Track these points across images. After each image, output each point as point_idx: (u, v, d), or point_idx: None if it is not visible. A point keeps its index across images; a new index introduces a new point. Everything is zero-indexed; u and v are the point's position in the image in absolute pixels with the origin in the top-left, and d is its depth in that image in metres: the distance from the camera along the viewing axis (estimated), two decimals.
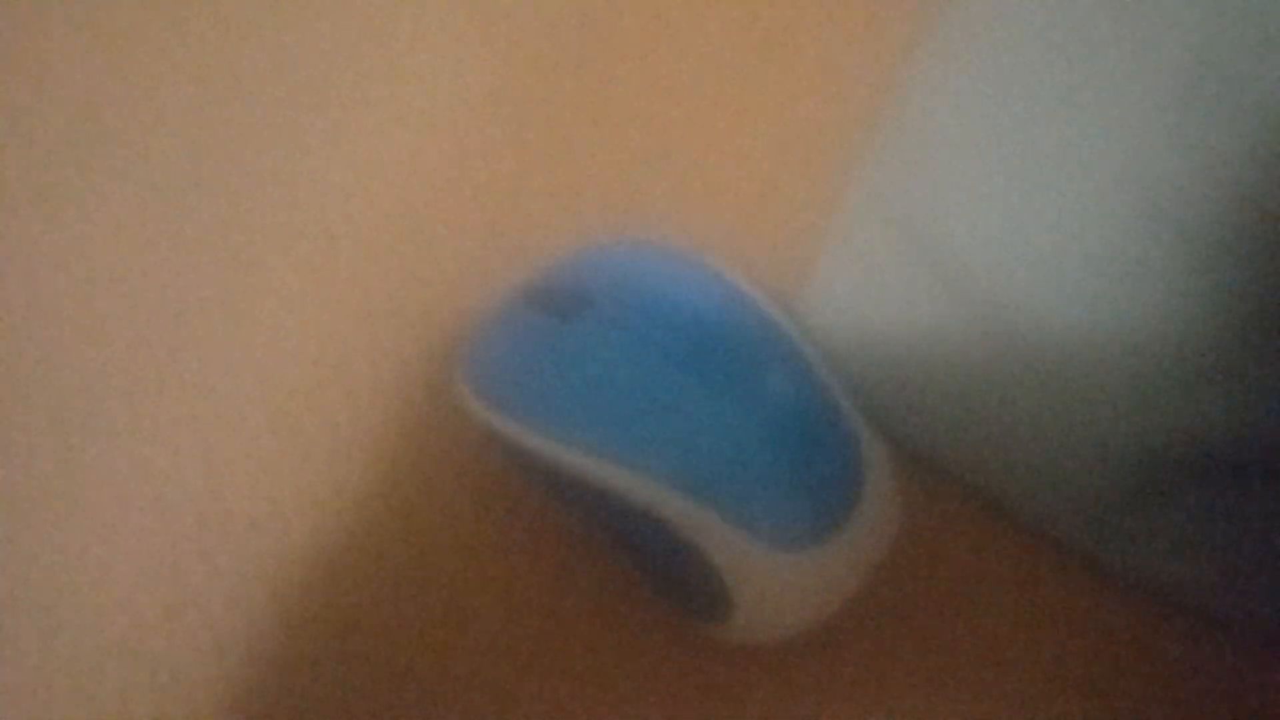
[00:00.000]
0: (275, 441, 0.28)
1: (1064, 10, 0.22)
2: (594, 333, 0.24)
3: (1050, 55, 0.23)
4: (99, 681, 0.24)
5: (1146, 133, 0.21)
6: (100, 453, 0.27)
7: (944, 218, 0.25)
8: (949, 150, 0.25)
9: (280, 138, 0.33)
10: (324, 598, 0.25)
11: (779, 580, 0.22)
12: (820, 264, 0.29)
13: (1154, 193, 0.21)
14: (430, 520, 0.27)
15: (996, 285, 0.24)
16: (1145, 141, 0.21)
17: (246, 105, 0.34)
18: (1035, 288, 0.23)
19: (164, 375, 0.29)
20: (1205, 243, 0.21)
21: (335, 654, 0.25)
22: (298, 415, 0.28)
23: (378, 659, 0.25)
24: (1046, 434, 0.24)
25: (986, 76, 0.24)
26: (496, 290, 0.29)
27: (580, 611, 0.25)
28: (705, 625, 0.24)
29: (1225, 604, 0.24)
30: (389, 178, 0.32)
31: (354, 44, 0.35)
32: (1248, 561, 0.24)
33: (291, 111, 0.34)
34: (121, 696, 0.24)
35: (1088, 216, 0.22)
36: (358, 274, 0.30)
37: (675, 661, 0.25)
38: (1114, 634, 0.25)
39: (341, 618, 0.25)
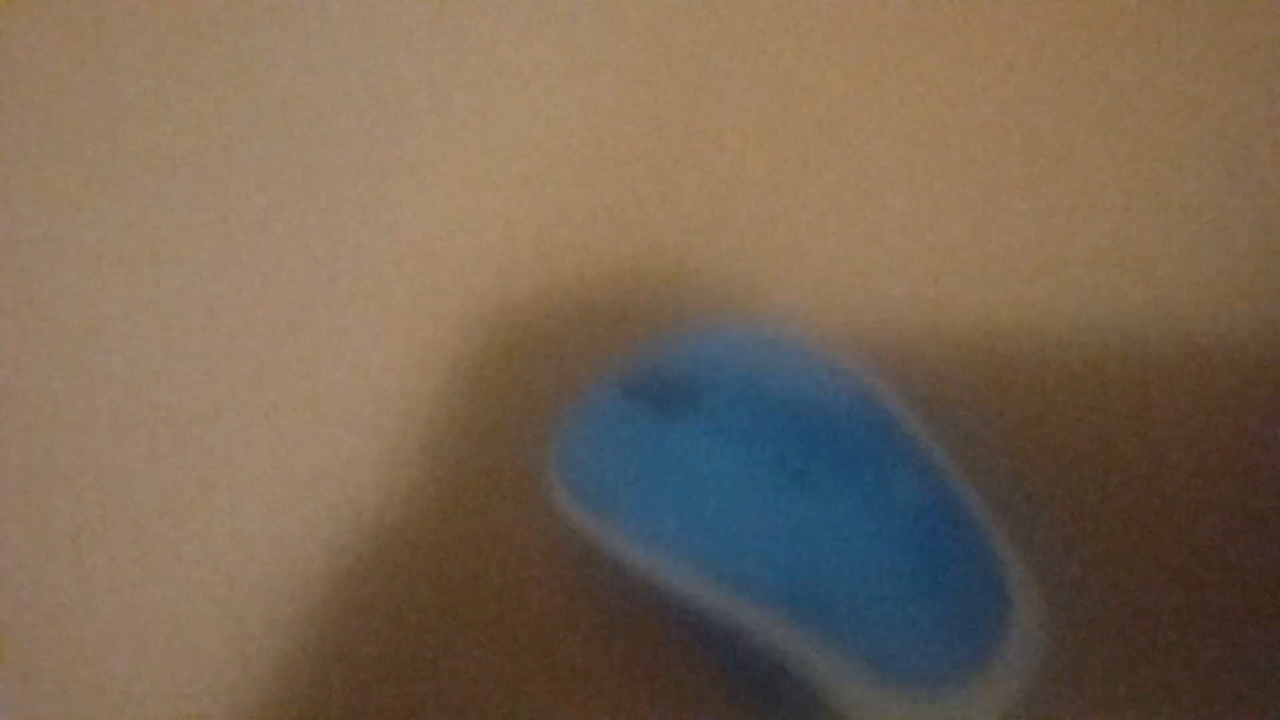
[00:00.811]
0: (341, 526, 0.26)
1: None
2: (696, 433, 0.21)
3: None
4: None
5: None
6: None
7: None
8: None
9: (360, 190, 0.32)
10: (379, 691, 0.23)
11: None
12: None
13: None
14: (509, 626, 0.24)
15: None
16: None
17: (328, 151, 0.32)
18: None
19: (241, 440, 0.27)
20: None
21: None
22: (367, 491, 0.26)
23: None
24: None
25: None
26: (592, 376, 0.27)
27: None
28: None
29: None
30: (474, 239, 0.31)
31: (444, 90, 0.34)
32: None
33: (373, 163, 0.32)
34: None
35: None
36: (440, 345, 0.29)
37: None
38: None
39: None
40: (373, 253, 0.31)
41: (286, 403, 0.28)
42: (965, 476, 0.22)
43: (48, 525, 0.27)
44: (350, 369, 0.29)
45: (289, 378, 0.28)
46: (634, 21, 0.34)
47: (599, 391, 0.24)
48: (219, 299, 0.30)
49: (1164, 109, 0.31)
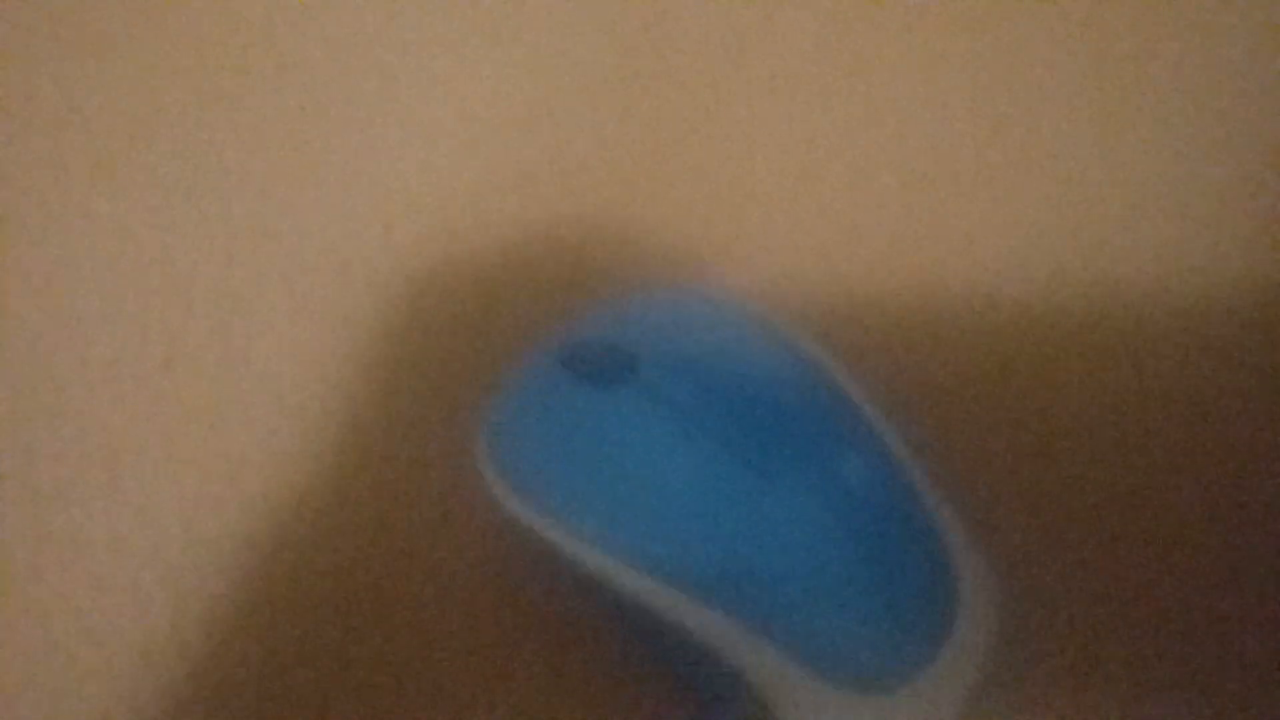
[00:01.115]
0: (267, 512, 0.24)
1: None
2: (634, 407, 0.20)
3: None
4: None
5: None
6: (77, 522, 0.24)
7: None
8: None
9: (293, 155, 0.30)
10: (311, 688, 0.22)
11: None
12: None
13: None
14: (436, 608, 0.23)
15: None
16: None
17: (258, 115, 0.30)
18: None
19: (149, 421, 0.25)
20: None
21: None
22: (294, 472, 0.24)
23: None
24: None
25: None
26: (526, 345, 0.25)
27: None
28: None
29: None
30: (409, 204, 0.29)
31: (377, 52, 0.32)
32: None
33: (307, 125, 0.30)
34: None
35: None
36: (367, 315, 0.27)
37: None
38: None
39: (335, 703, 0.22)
40: (298, 220, 0.29)
41: (201, 381, 0.26)
42: (916, 457, 0.21)
43: None
44: (271, 341, 0.27)
45: (204, 353, 0.26)
46: None
47: (532, 361, 0.23)
48: (125, 270, 0.28)
49: (1114, 71, 0.30)
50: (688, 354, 0.21)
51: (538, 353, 0.23)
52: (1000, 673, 0.20)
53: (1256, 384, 0.25)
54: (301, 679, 0.22)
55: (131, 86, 0.31)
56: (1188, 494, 0.23)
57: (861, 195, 0.28)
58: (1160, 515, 0.23)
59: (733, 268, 0.27)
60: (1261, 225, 0.27)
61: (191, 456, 0.25)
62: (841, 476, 0.19)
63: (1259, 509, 0.23)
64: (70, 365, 0.26)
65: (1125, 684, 0.21)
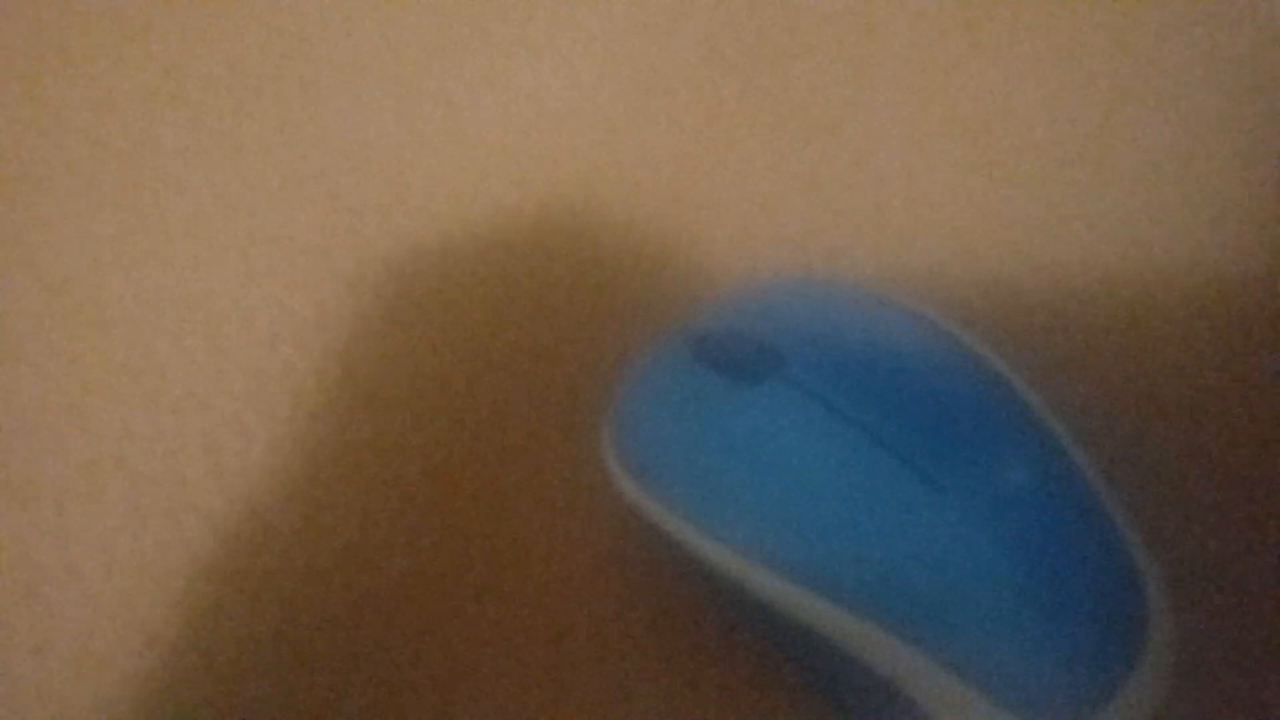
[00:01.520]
0: (380, 498, 0.23)
1: None
2: (778, 403, 0.18)
3: None
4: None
5: None
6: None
7: None
8: None
9: (381, 109, 0.28)
10: (427, 687, 0.21)
11: None
12: None
13: None
14: (556, 606, 0.22)
15: None
16: None
17: (342, 69, 0.29)
18: None
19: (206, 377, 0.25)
20: None
21: None
22: (402, 464, 0.23)
23: None
24: None
25: None
26: (653, 331, 0.24)
27: None
28: None
29: None
30: (515, 173, 0.27)
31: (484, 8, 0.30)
32: None
33: (401, 74, 0.29)
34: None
35: None
36: (476, 298, 0.26)
37: None
38: None
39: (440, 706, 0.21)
40: (399, 192, 0.28)
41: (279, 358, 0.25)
42: (1090, 460, 0.19)
43: None
44: (372, 325, 0.26)
45: (289, 335, 0.26)
46: None
47: (662, 350, 0.21)
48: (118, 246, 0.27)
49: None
50: (834, 345, 0.19)
51: (668, 342, 0.21)
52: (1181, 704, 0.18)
53: None
54: (411, 675, 0.21)
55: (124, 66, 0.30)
56: None
57: (988, 180, 0.26)
58: None
59: (876, 253, 0.25)
60: None
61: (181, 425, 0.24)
62: (1011, 477, 0.17)
63: None
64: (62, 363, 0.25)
65: None
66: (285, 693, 0.21)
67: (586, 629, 0.21)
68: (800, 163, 0.27)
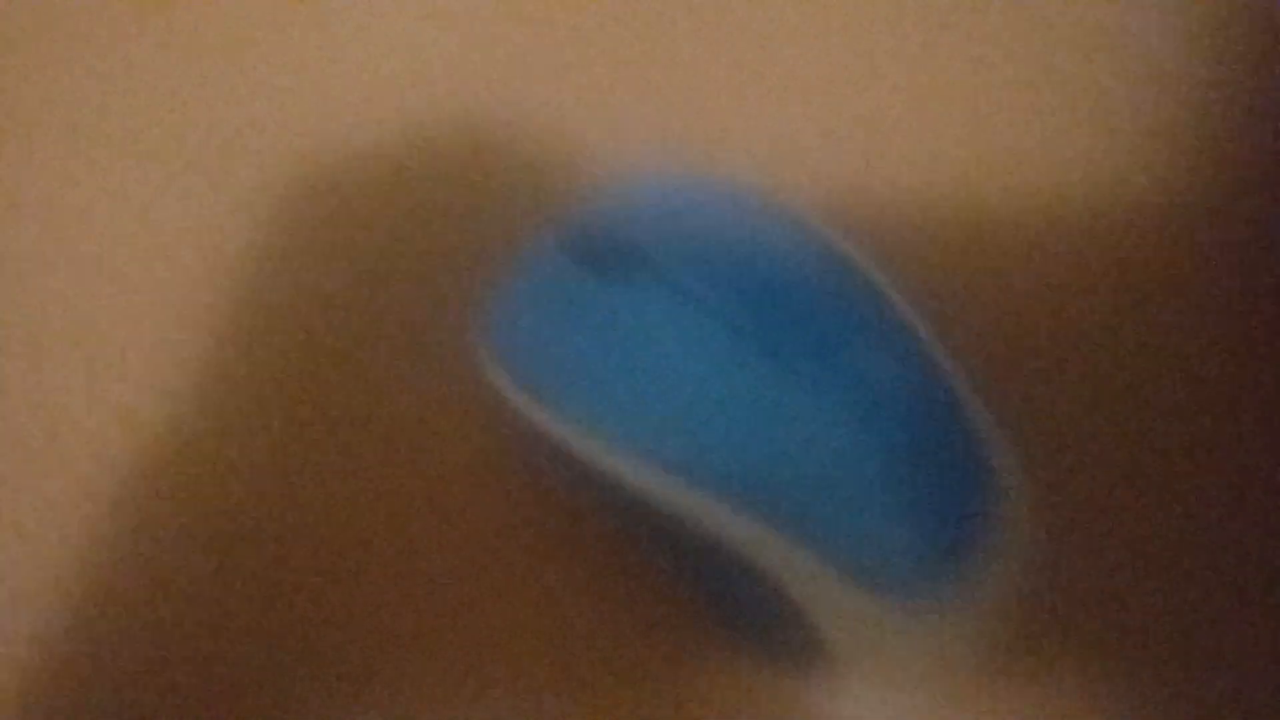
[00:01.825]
0: (241, 402, 0.23)
1: None
2: (644, 295, 0.18)
3: None
4: None
5: None
6: None
7: None
8: None
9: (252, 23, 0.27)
10: (310, 591, 0.21)
11: (889, 639, 0.17)
12: None
13: None
14: (432, 512, 0.22)
15: None
16: None
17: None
18: None
19: (104, 311, 0.24)
20: None
21: (306, 655, 0.20)
22: (271, 373, 0.23)
23: (353, 657, 0.20)
24: None
25: None
26: (524, 230, 0.23)
27: (620, 635, 0.20)
28: (786, 675, 0.19)
29: None
30: (381, 79, 0.27)
31: None
32: None
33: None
34: None
35: None
36: (343, 202, 0.25)
37: (741, 708, 0.20)
38: None
39: (324, 609, 0.20)
40: (274, 105, 0.26)
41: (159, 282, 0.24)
42: (949, 355, 0.19)
43: None
44: (250, 240, 0.25)
45: (168, 257, 0.25)
46: None
47: (533, 252, 0.21)
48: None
49: None
50: (703, 240, 0.19)
51: (538, 242, 0.21)
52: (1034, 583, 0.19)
53: None
54: (291, 582, 0.21)
55: None
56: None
57: (867, 87, 0.27)
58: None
59: (747, 153, 0.25)
60: None
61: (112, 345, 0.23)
62: (873, 371, 0.18)
63: None
64: None
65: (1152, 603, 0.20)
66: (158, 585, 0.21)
67: (464, 524, 0.21)
68: (677, 64, 0.27)
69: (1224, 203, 0.25)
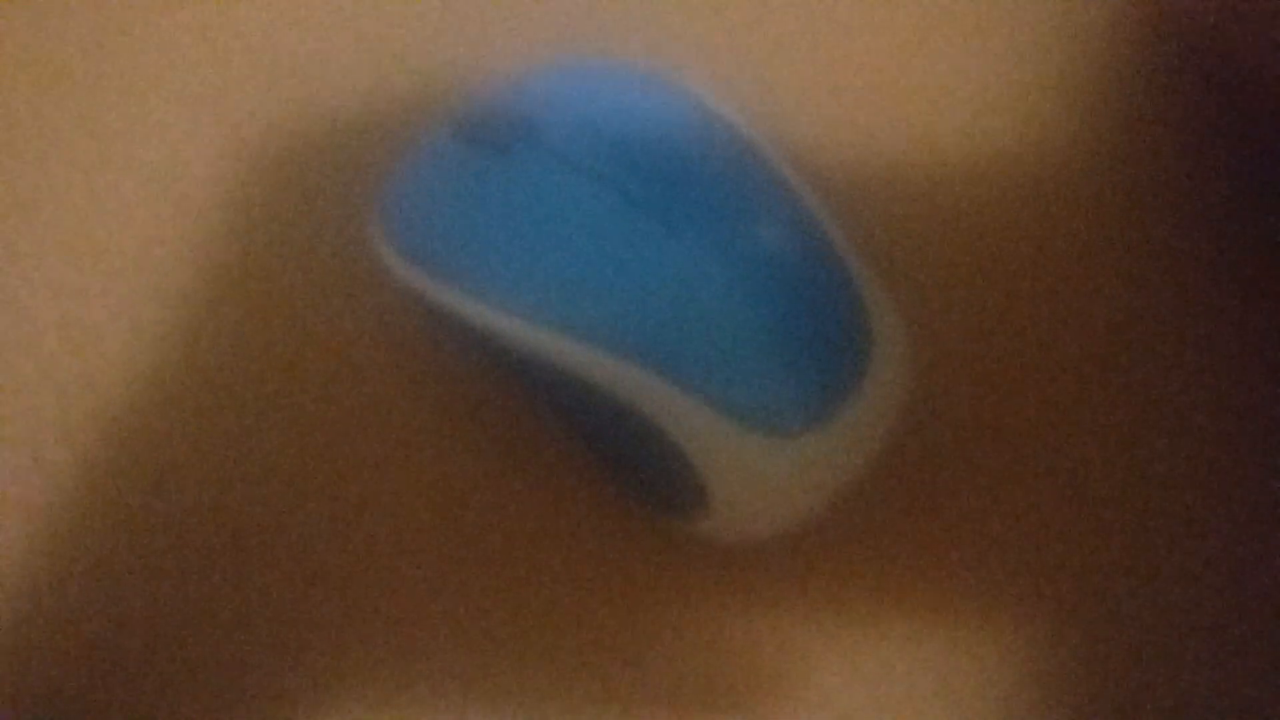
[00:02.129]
0: (154, 306, 0.23)
1: None
2: (535, 168, 0.19)
3: None
4: None
5: None
6: None
7: None
8: None
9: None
10: (217, 489, 0.21)
11: (765, 472, 0.18)
12: None
13: None
14: (343, 394, 0.22)
15: None
16: None
17: None
18: None
19: (18, 223, 0.24)
20: None
21: (226, 551, 0.21)
22: (180, 275, 0.23)
23: (283, 561, 0.21)
24: None
25: None
26: (421, 121, 0.24)
27: (525, 502, 0.21)
28: (675, 521, 0.20)
29: None
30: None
31: None
32: None
33: None
34: None
35: None
36: (248, 100, 0.25)
37: (633, 560, 0.21)
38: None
39: (233, 514, 0.21)
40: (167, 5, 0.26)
41: (70, 183, 0.24)
42: (832, 219, 0.20)
43: None
44: (150, 137, 0.25)
45: (72, 160, 0.25)
46: None
47: (427, 134, 0.21)
48: None
49: None
50: (590, 117, 0.20)
51: (433, 127, 0.21)
52: (910, 422, 0.20)
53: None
54: (205, 472, 0.21)
55: None
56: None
57: None
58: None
59: (636, 36, 0.26)
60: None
61: (67, 253, 0.23)
62: (753, 229, 0.19)
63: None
64: None
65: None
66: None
67: (373, 407, 0.22)
68: None
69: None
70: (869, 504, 0.21)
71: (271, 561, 0.21)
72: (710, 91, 0.25)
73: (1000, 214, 0.24)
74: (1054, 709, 0.20)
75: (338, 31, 0.26)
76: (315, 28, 0.26)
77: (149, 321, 0.23)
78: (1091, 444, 0.22)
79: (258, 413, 0.22)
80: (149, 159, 0.24)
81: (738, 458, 0.18)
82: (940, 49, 0.26)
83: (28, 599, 0.21)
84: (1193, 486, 0.22)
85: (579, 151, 0.19)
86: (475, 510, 0.21)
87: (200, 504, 0.21)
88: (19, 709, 0.20)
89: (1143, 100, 0.25)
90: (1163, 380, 0.22)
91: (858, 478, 0.19)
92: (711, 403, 0.17)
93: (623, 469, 0.20)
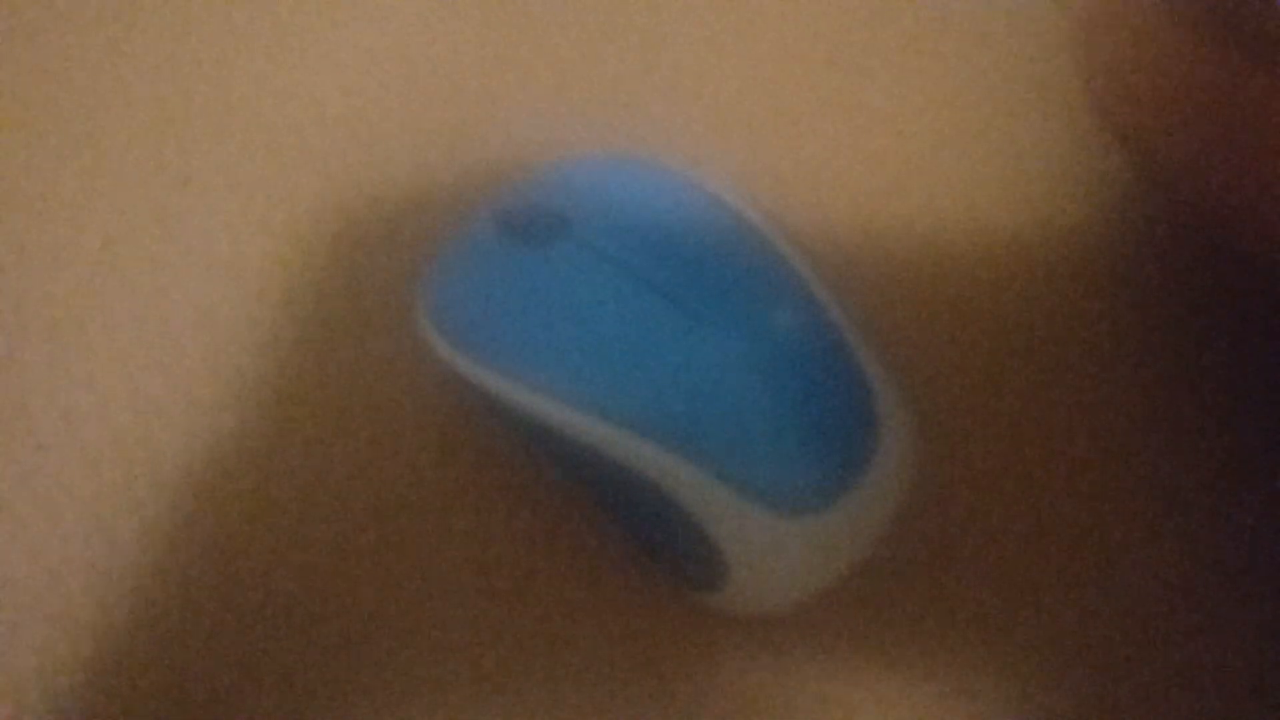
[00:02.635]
0: (211, 380, 0.25)
1: None
2: (568, 260, 0.21)
3: None
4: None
5: None
6: (20, 390, 0.24)
7: None
8: None
9: (213, 31, 0.29)
10: (270, 555, 0.23)
11: (781, 549, 0.19)
12: None
13: None
14: (387, 469, 0.24)
15: None
16: None
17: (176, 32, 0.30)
18: None
19: (90, 303, 0.26)
20: None
21: (279, 616, 0.22)
22: (235, 351, 0.25)
23: (331, 624, 0.22)
24: None
25: None
26: (463, 211, 0.26)
27: (557, 574, 0.22)
28: (697, 594, 0.21)
29: None
30: (338, 77, 0.29)
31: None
32: None
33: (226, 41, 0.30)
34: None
35: None
36: (303, 188, 0.27)
37: (661, 630, 0.22)
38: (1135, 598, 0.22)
39: (289, 580, 0.22)
40: (229, 105, 0.28)
41: (140, 260, 0.26)
42: (843, 308, 0.22)
43: None
44: (210, 217, 0.27)
45: (142, 234, 0.27)
46: None
47: (468, 224, 0.23)
48: (61, 155, 0.28)
49: None
50: (619, 212, 0.21)
51: (473, 218, 0.23)
52: (917, 501, 0.21)
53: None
54: (258, 540, 0.23)
55: None
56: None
57: (783, 61, 0.29)
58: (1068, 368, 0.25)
59: (663, 134, 0.28)
60: None
61: (133, 329, 0.25)
62: (771, 319, 0.20)
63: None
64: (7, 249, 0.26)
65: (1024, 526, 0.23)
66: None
67: (414, 477, 0.23)
68: (604, 60, 0.29)
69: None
70: (879, 575, 0.22)
71: (319, 626, 0.22)
72: (727, 182, 0.26)
73: (1002, 298, 0.25)
74: None
75: (386, 124, 0.28)
76: (365, 120, 0.28)
77: (205, 395, 0.24)
78: (1084, 517, 0.23)
79: (306, 483, 0.23)
80: (208, 241, 0.26)
81: (756, 535, 0.19)
82: (954, 143, 0.28)
83: (93, 659, 0.22)
84: (1202, 569, 0.23)
85: (608, 244, 0.21)
86: (509, 579, 0.22)
87: (254, 571, 0.22)
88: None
89: (1146, 187, 0.27)
90: (1169, 464, 0.23)
91: (867, 553, 0.20)
92: (730, 482, 0.19)
93: (649, 544, 0.21)
